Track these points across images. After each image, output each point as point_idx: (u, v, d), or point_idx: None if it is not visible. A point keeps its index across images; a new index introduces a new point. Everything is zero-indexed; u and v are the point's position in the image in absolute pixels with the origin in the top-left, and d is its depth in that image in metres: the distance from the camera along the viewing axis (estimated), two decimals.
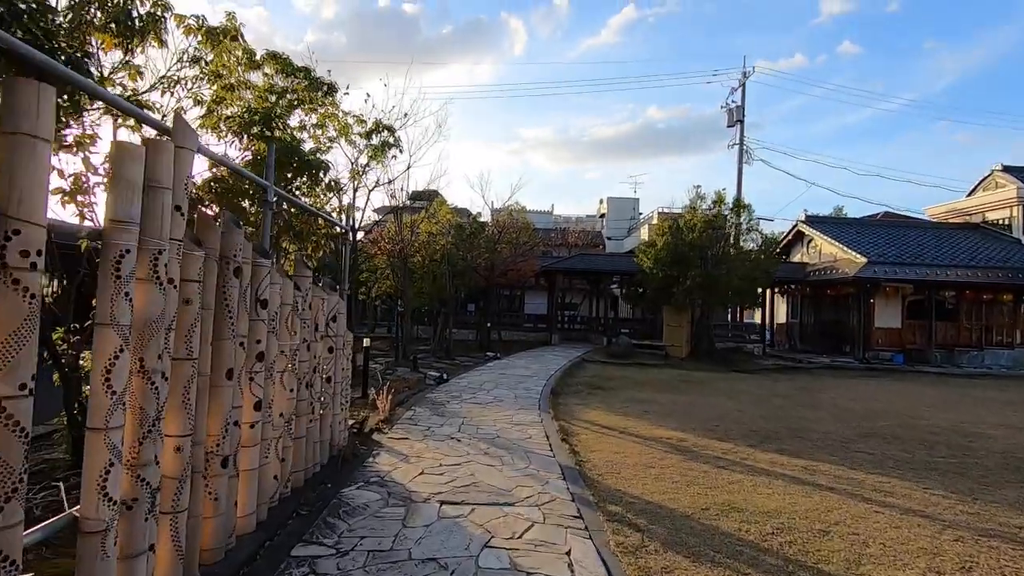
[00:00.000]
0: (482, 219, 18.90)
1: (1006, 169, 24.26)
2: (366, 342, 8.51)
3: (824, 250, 23.07)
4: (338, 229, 6.51)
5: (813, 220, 24.37)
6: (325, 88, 6.73)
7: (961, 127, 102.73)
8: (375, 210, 15.93)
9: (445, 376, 10.63)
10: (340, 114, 6.86)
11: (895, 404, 10.81)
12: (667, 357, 18.26)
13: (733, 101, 29.34)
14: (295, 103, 6.36)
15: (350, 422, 6.16)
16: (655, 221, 38.84)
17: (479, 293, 21.53)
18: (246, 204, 5.35)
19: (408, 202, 12.76)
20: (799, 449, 6.64)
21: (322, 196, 6.43)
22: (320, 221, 6.00)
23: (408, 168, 12.13)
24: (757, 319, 27.65)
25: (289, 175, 5.07)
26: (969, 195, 26.12)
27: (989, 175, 24.98)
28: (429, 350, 17.24)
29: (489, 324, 18.15)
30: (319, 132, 6.61)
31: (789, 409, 9.74)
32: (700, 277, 16.71)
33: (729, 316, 28.30)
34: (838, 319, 22.32)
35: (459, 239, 16.45)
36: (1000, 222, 23.87)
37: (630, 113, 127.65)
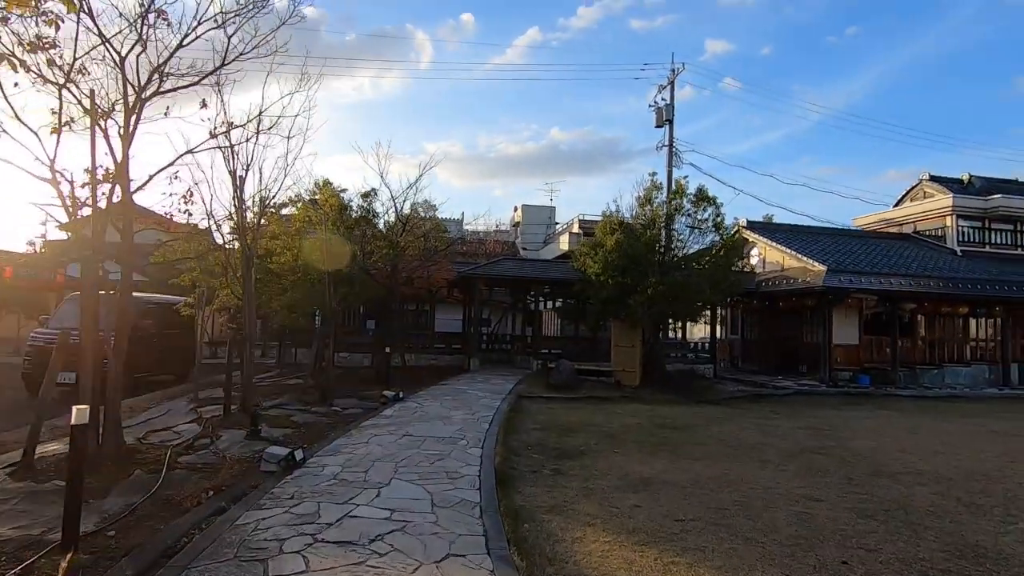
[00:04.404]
0: (378, 199, 13.87)
1: (934, 179, 23.70)
2: None
3: (769, 258, 20.80)
4: None
5: (756, 226, 22.16)
6: None
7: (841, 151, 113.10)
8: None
9: (298, 453, 5.78)
10: None
11: (970, 457, 7.60)
12: (619, 386, 14.49)
13: (662, 99, 26.61)
14: None
15: None
16: (576, 229, 36.02)
17: (378, 306, 16.56)
18: None
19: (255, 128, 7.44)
20: None
21: None
22: None
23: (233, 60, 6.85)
24: (680, 335, 25.01)
25: None
26: (896, 205, 25.47)
27: (917, 185, 24.38)
28: (301, 386, 12.11)
29: (388, 349, 13.26)
30: None
31: (869, 485, 6.09)
32: (663, 285, 13.13)
33: (661, 333, 25.46)
34: (789, 335, 20.00)
35: (344, 225, 11.47)
36: (930, 233, 23.11)
37: (534, 133, 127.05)
